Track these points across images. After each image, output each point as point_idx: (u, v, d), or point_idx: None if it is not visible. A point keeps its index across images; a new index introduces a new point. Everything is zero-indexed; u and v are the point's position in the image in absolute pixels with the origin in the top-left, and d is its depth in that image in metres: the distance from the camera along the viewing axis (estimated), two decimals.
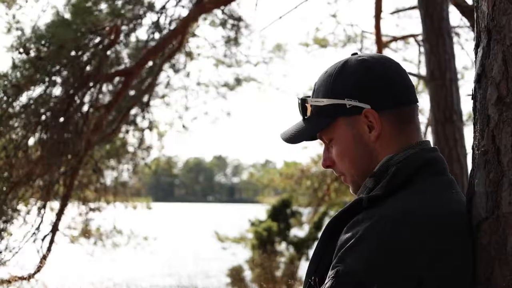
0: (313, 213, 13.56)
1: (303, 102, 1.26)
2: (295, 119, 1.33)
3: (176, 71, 8.72)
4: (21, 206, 6.17)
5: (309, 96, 1.27)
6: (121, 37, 6.84)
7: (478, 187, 1.10)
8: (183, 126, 9.30)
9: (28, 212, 6.24)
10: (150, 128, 8.33)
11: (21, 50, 5.72)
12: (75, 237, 7.86)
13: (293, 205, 14.05)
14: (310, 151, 15.82)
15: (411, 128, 1.22)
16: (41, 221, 6.33)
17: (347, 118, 1.20)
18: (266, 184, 15.15)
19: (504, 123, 1.04)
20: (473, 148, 1.15)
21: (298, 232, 13.99)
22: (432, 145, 1.24)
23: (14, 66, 5.72)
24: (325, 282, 1.09)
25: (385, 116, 1.19)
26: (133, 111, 7.86)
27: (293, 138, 1.28)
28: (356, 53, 1.26)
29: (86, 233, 8.03)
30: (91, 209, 7.80)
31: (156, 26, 7.24)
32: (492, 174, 1.05)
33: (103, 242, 8.47)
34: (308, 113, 1.26)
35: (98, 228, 8.39)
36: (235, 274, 12.35)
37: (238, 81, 9.90)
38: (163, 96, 9.02)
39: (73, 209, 7.66)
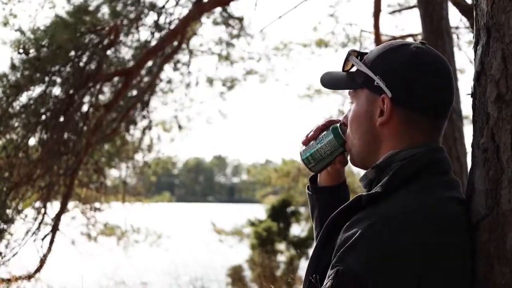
0: None
1: (347, 56, 1.28)
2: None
3: (176, 70, 8.71)
4: (21, 206, 6.17)
5: (356, 51, 1.29)
6: (121, 37, 6.83)
7: (478, 184, 1.10)
8: (179, 127, 9.28)
9: (28, 212, 6.24)
10: (150, 127, 8.33)
11: (21, 50, 5.72)
12: (84, 235, 7.87)
13: (292, 204, 14.04)
14: None
15: (423, 136, 1.19)
16: (41, 221, 6.33)
17: (370, 93, 1.22)
18: (263, 181, 15.07)
19: (503, 121, 1.04)
20: (472, 146, 1.15)
21: (298, 231, 13.97)
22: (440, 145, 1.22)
23: (14, 67, 5.72)
24: (325, 282, 1.08)
25: (399, 112, 1.18)
26: (133, 111, 7.85)
27: (327, 82, 1.33)
28: (424, 43, 1.23)
29: (87, 233, 8.03)
30: (92, 209, 7.79)
31: (156, 25, 7.24)
32: (492, 172, 1.05)
33: (100, 243, 8.46)
34: (347, 67, 1.29)
35: (98, 230, 8.38)
36: (235, 273, 12.34)
37: (248, 72, 9.83)
38: (163, 95, 9.01)
39: (74, 209, 7.66)
